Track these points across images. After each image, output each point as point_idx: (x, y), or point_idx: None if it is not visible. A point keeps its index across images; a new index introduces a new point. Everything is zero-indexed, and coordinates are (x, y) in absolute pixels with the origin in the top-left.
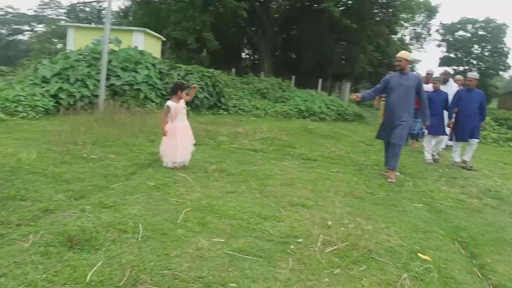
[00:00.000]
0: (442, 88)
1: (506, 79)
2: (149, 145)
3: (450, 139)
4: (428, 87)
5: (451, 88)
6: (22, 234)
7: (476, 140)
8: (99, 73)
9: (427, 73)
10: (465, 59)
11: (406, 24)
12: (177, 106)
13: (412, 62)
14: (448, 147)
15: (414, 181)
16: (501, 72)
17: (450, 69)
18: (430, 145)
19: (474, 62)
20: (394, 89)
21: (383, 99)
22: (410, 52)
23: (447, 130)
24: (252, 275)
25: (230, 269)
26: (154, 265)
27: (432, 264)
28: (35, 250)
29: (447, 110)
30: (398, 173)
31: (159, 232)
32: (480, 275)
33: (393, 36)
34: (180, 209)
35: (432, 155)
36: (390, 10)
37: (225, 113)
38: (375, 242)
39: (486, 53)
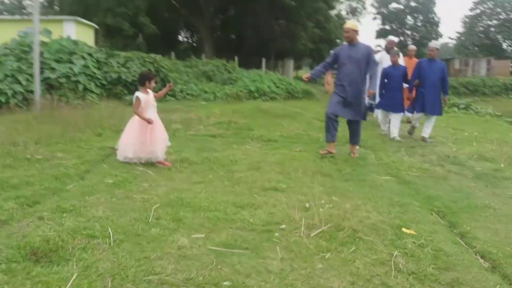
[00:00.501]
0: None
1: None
2: (97, 140)
3: (410, 111)
4: (378, 57)
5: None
6: None
7: (435, 117)
8: (30, 67)
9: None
10: (400, 30)
11: None
12: (147, 98)
13: None
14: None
15: (375, 153)
16: (434, 41)
17: (394, 38)
18: (386, 118)
19: (409, 32)
20: (344, 63)
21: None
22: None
23: (405, 104)
24: (243, 270)
25: (219, 266)
26: (135, 271)
27: (418, 238)
28: None
29: (406, 83)
30: (358, 147)
31: (132, 234)
32: (464, 244)
33: (331, 11)
34: (148, 206)
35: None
36: None
37: (173, 99)
38: (357, 220)
39: (419, 24)
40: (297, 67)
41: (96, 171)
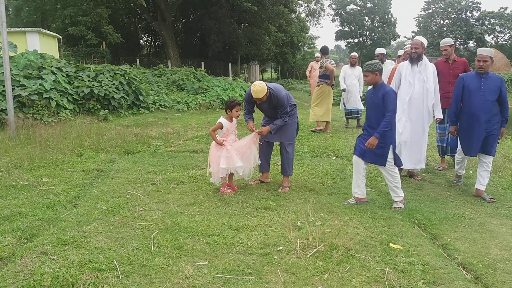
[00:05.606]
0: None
1: (393, 46)
2: (80, 161)
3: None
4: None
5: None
6: None
7: (491, 158)
8: None
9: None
10: (359, 31)
11: (300, 2)
12: (230, 125)
13: (312, 38)
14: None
15: (352, 164)
16: (392, 42)
17: (411, 42)
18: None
19: (367, 33)
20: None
21: (321, 83)
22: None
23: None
24: None
25: None
26: None
27: (406, 253)
28: None
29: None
30: (334, 157)
31: (138, 265)
32: (447, 256)
33: (292, 14)
34: (147, 233)
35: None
36: None
37: (146, 111)
38: (348, 238)
39: (376, 24)
40: (262, 70)
41: (87, 197)
